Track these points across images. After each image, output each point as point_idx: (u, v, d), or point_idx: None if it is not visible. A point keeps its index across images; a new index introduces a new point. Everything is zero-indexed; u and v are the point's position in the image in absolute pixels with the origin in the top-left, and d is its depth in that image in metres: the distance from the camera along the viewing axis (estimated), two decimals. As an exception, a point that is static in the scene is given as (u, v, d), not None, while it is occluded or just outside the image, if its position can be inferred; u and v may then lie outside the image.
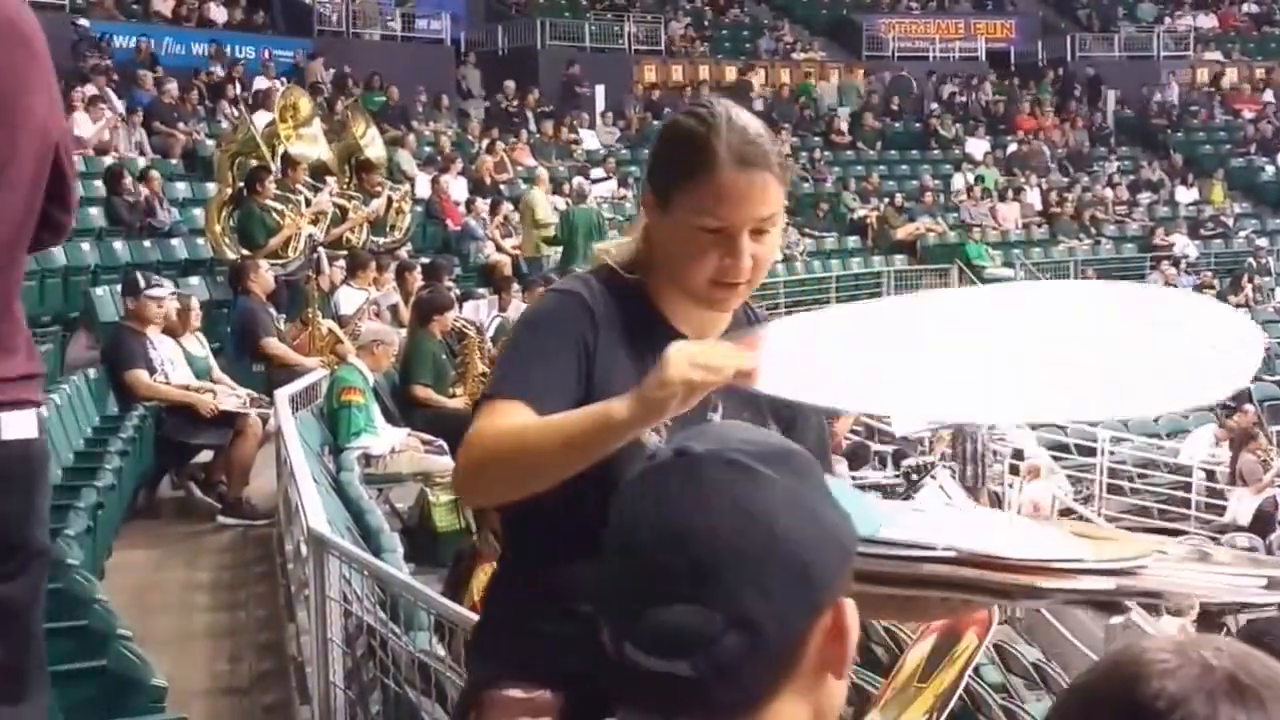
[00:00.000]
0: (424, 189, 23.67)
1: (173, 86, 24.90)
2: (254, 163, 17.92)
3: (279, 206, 17.14)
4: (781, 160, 3.07)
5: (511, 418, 2.87)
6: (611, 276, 3.17)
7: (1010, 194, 33.87)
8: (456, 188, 24.88)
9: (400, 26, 33.68)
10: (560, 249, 22.28)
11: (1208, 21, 43.48)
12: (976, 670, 12.58)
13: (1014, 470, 19.25)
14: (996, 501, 18.36)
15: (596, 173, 28.35)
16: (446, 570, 10.71)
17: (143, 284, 12.67)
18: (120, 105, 23.15)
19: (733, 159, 2.97)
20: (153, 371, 11.95)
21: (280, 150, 17.96)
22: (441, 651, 6.09)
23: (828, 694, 1.80)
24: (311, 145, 18.31)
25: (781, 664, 1.75)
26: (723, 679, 1.72)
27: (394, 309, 16.05)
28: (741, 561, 1.71)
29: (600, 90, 33.84)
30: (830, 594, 1.77)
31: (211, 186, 19.92)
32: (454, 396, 13.67)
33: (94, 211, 19.06)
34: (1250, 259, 32.79)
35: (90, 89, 22.87)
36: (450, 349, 14.51)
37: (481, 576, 5.97)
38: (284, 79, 27.59)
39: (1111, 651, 1.63)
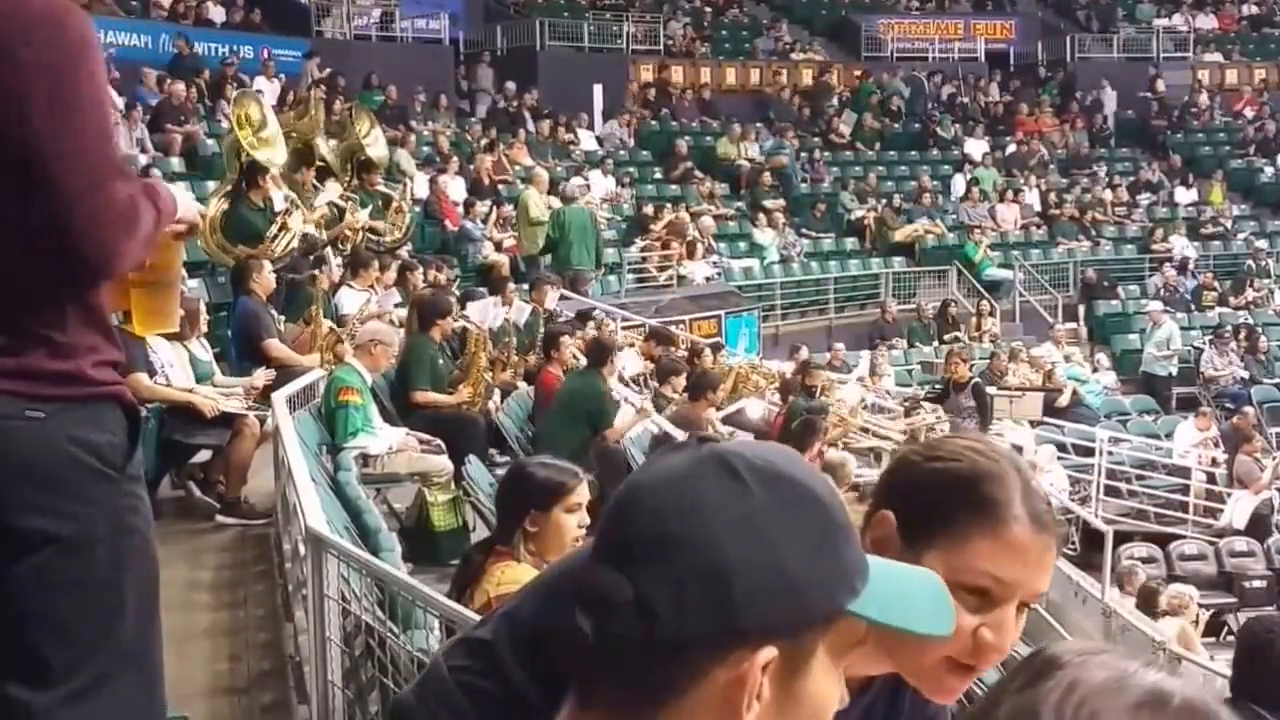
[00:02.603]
0: (422, 189, 23.65)
1: (179, 87, 24.89)
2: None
3: (276, 205, 16.99)
4: (1062, 531, 2.68)
5: None
6: None
7: (1009, 195, 33.83)
8: (455, 188, 24.86)
9: (398, 26, 33.62)
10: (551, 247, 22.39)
11: (1207, 22, 43.45)
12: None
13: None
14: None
15: (590, 177, 28.35)
16: (443, 568, 10.76)
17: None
18: (120, 103, 23.11)
19: (1030, 518, 2.47)
20: (153, 374, 11.94)
21: (246, 160, 17.51)
22: None
23: None
24: (272, 149, 17.94)
25: (665, 671, 1.67)
26: (608, 654, 1.67)
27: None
28: (670, 550, 1.66)
29: (598, 90, 33.78)
30: (756, 633, 1.66)
31: (211, 185, 19.80)
32: (452, 393, 13.66)
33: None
34: (1250, 261, 32.77)
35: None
36: (452, 350, 14.51)
37: (497, 574, 5.93)
38: (282, 76, 27.60)
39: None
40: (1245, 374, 28.01)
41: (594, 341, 15.19)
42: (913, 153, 36.32)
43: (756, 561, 1.66)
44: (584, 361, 14.65)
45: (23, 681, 3.43)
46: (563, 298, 19.70)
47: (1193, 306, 31.12)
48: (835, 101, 37.03)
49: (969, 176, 34.08)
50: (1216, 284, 31.78)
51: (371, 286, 16.04)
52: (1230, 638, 17.11)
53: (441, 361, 13.81)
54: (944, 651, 2.45)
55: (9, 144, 3.31)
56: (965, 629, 2.42)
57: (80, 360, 3.48)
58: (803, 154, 33.98)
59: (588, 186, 26.75)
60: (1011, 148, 36.44)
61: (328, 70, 29.06)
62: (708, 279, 26.94)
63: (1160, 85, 39.83)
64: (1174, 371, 28.06)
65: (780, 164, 32.43)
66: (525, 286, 19.13)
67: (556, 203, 23.50)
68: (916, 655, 2.47)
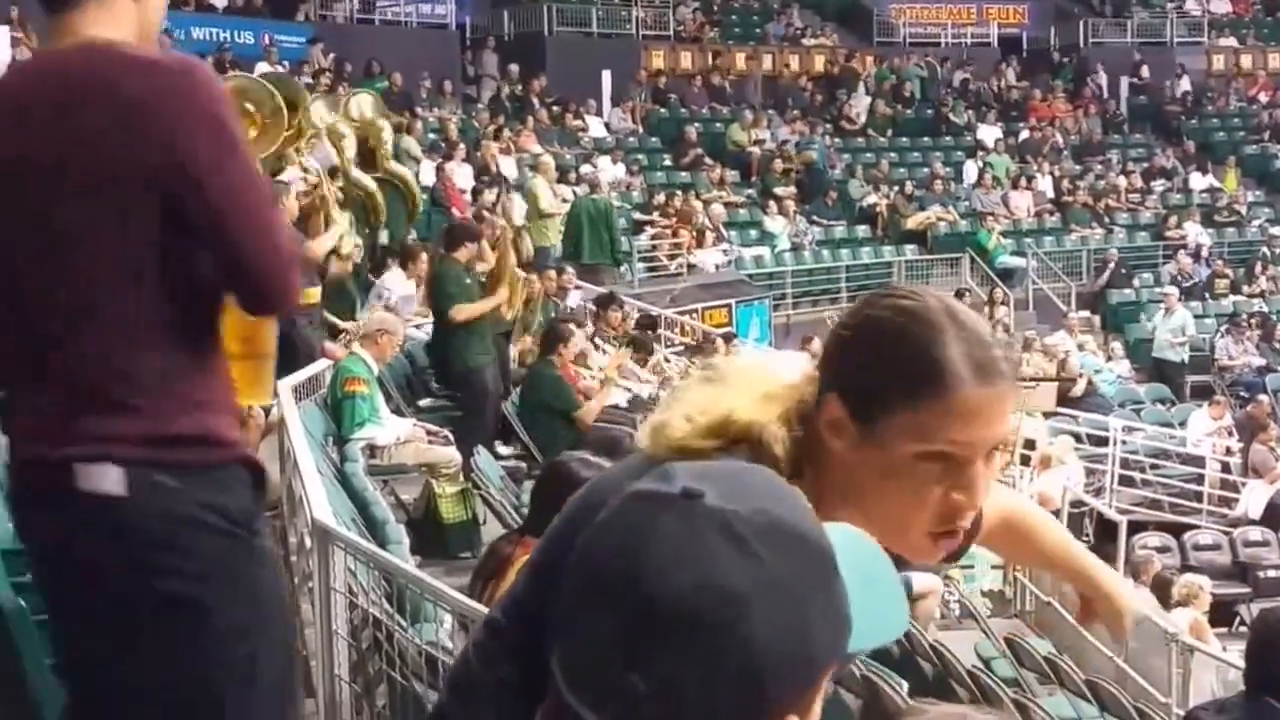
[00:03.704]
0: (428, 176, 23.53)
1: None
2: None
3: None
4: (1014, 364, 2.53)
5: None
6: None
7: (1022, 182, 33.71)
8: (461, 175, 24.74)
9: (402, 11, 33.50)
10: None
11: (1221, 7, 43.26)
12: (988, 664, 12.52)
13: (1025, 461, 19.15)
14: (1009, 493, 18.25)
15: (599, 164, 28.24)
16: (452, 560, 10.69)
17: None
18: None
19: (976, 372, 2.37)
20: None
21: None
22: (450, 644, 6.04)
23: None
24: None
25: None
26: None
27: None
28: (699, 640, 1.56)
29: (607, 76, 33.63)
30: (780, 706, 1.61)
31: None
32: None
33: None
34: (1264, 248, 32.65)
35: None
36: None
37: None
38: (285, 63, 27.46)
39: None
40: (1260, 362, 27.90)
41: (546, 326, 15.02)
42: (925, 139, 36.14)
43: (784, 643, 1.58)
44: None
45: None
46: (577, 287, 19.58)
47: (1206, 295, 30.99)
48: (861, 89, 36.83)
49: (981, 163, 33.90)
50: (1229, 271, 31.65)
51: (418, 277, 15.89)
52: (1243, 628, 17.03)
53: (469, 282, 13.68)
54: (923, 527, 2.44)
55: (176, 197, 3.48)
56: (935, 500, 2.41)
57: (212, 420, 3.60)
58: (804, 133, 33.78)
59: (597, 174, 26.59)
60: (1025, 134, 36.28)
61: (331, 56, 28.96)
62: (718, 267, 26.85)
63: (1174, 70, 39.70)
64: (1186, 359, 27.94)
65: (810, 159, 32.25)
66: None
67: (565, 192, 23.40)
68: (898, 536, 2.43)
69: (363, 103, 18.07)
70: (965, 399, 2.36)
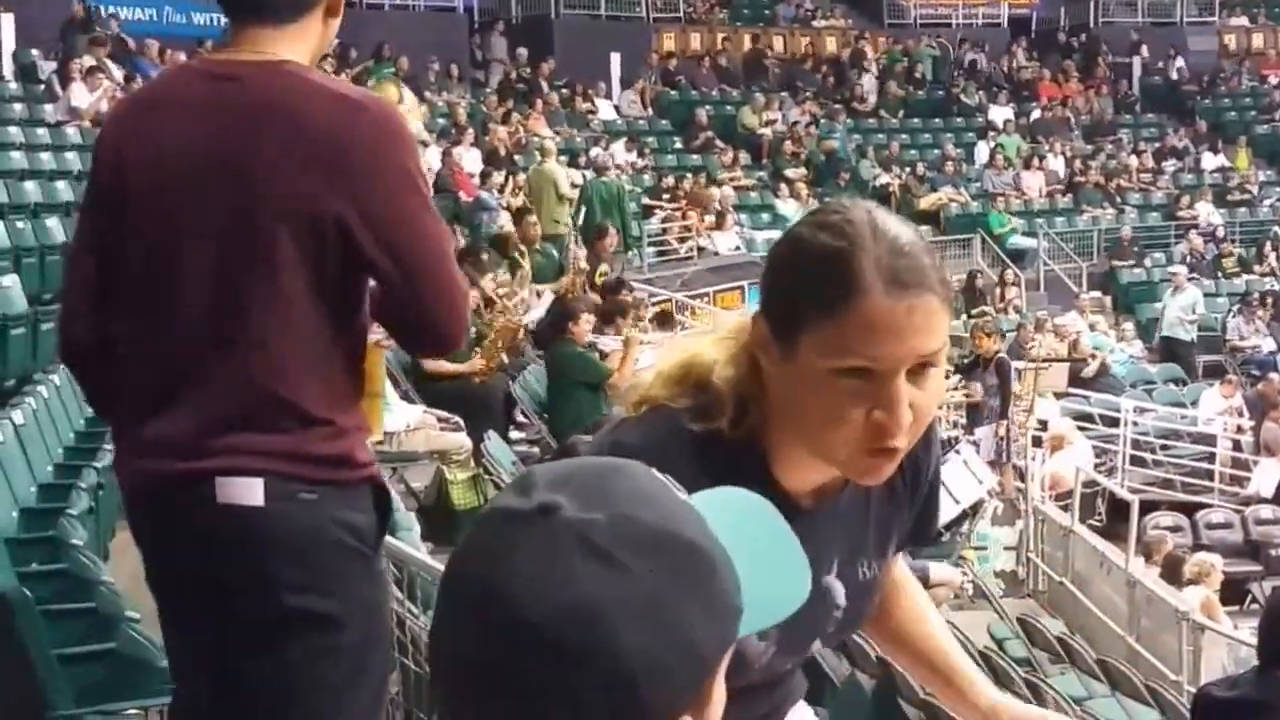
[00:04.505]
0: (435, 161, 23.48)
1: (180, 56, 24.72)
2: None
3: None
4: (943, 277, 2.38)
5: None
6: (708, 436, 2.46)
7: (1034, 162, 33.64)
8: (469, 159, 24.68)
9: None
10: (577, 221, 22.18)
11: (1233, -15, 43.13)
12: (1001, 644, 12.54)
13: (1037, 442, 19.14)
14: (1020, 475, 18.27)
15: (611, 148, 28.15)
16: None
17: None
18: (119, 74, 23.00)
19: (885, 283, 2.29)
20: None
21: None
22: None
23: None
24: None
25: None
26: None
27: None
28: (568, 664, 1.50)
29: (616, 59, 33.53)
30: (667, 711, 1.55)
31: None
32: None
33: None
34: (1275, 227, 32.56)
35: (89, 59, 22.73)
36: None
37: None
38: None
39: None
40: (1273, 341, 27.85)
41: (552, 307, 14.96)
42: (936, 120, 36.03)
43: (660, 651, 1.52)
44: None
45: None
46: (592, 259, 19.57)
47: (1219, 274, 30.93)
48: (875, 70, 36.70)
49: (993, 144, 33.82)
50: (1234, 250, 31.57)
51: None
52: (1254, 606, 17.04)
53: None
54: (852, 446, 2.36)
55: (353, 233, 3.57)
56: (857, 420, 2.33)
57: (350, 442, 3.71)
58: (824, 121, 33.69)
59: (607, 158, 26.52)
60: (1036, 114, 36.18)
61: (338, 40, 28.81)
62: (735, 249, 26.81)
63: (1185, 49, 39.58)
64: (1195, 338, 27.88)
65: (831, 148, 32.17)
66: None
67: (578, 176, 23.35)
68: (830, 454, 2.42)
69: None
70: (875, 309, 2.28)
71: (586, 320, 13.80)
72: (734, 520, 1.71)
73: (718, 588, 1.59)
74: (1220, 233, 31.95)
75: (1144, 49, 39.55)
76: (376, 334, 3.98)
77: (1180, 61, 39.44)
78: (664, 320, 14.23)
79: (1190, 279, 28.95)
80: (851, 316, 2.28)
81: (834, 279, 2.30)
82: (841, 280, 2.29)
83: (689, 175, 28.93)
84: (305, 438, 3.62)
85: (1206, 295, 29.25)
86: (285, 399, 3.61)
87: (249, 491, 3.57)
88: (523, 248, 17.31)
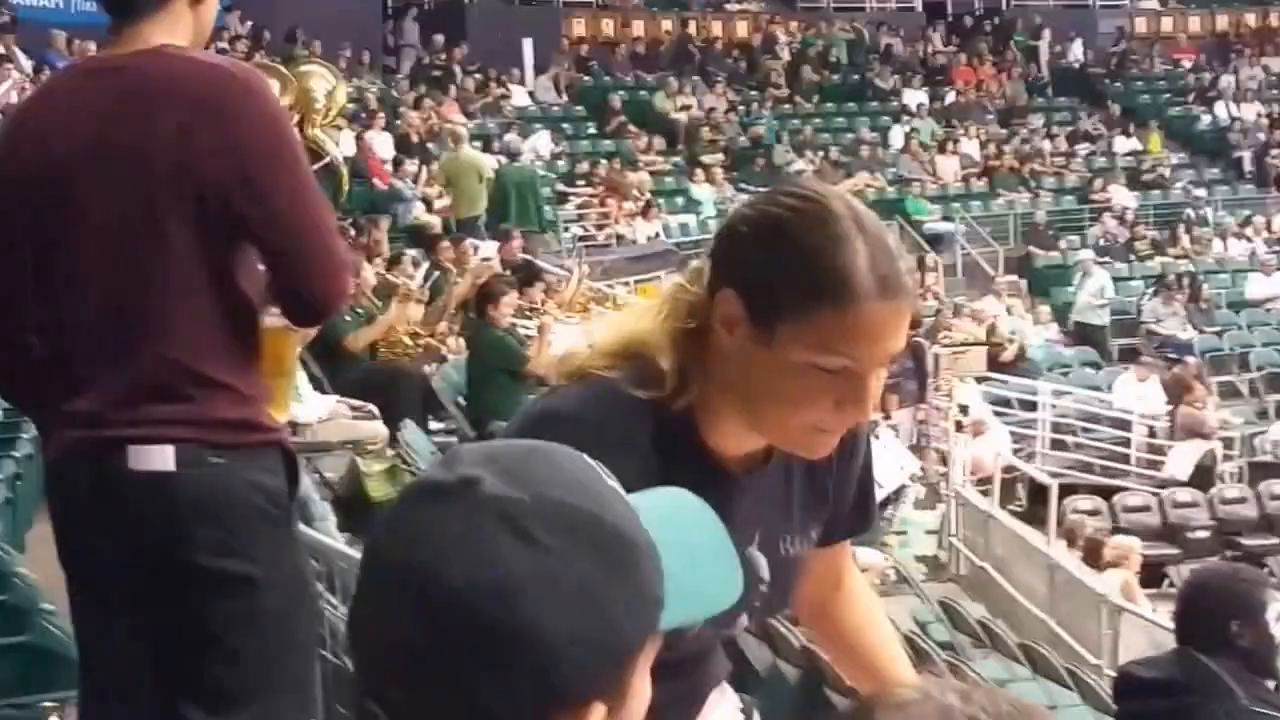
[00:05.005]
0: (349, 147, 23.34)
1: (90, 46, 24.42)
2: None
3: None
4: (911, 272, 2.47)
5: None
6: (645, 403, 2.49)
7: (949, 147, 33.73)
8: (382, 145, 24.55)
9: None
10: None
11: (1143, -31, 43.41)
12: (923, 628, 12.54)
13: (958, 427, 19.20)
14: (940, 459, 18.33)
15: (524, 134, 28.06)
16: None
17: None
18: (28, 65, 22.72)
19: (878, 288, 2.33)
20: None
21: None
22: None
23: None
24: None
25: None
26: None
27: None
28: (481, 637, 1.50)
29: (529, 45, 33.40)
30: (584, 699, 1.55)
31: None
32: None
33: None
34: (1188, 210, 32.77)
35: (-3, 48, 22.47)
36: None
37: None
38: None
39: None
40: (1188, 323, 28.00)
41: (474, 291, 14.82)
42: (851, 105, 36.04)
43: (577, 633, 1.51)
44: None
45: (204, 709, 3.81)
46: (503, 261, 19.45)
47: (1132, 257, 31.10)
48: (786, 54, 36.65)
49: (908, 128, 33.90)
50: (1146, 233, 31.74)
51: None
52: (1172, 589, 17.13)
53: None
54: (803, 427, 2.44)
55: (236, 201, 3.70)
56: (823, 408, 2.41)
57: (254, 408, 3.86)
58: (740, 107, 33.65)
59: (519, 143, 26.44)
60: (950, 98, 36.29)
61: (249, 24, 28.66)
62: (649, 238, 26.77)
63: (1097, 33, 39.79)
64: (1108, 321, 28.01)
65: (758, 135, 32.16)
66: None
67: (493, 162, 23.29)
68: (776, 431, 2.49)
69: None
70: (868, 313, 2.33)
71: (507, 303, 13.67)
72: (669, 514, 1.71)
73: (641, 577, 1.58)
74: (1130, 216, 32.08)
75: (1047, 32, 39.68)
76: (284, 318, 4.07)
77: (1079, 45, 39.61)
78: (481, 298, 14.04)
79: (1101, 262, 29.10)
80: (841, 318, 2.33)
81: (825, 278, 2.33)
82: (834, 281, 2.33)
83: (604, 161, 28.86)
84: (210, 404, 3.75)
85: (1120, 279, 29.42)
86: (188, 368, 3.74)
87: (160, 458, 3.71)
88: (451, 267, 17.05)
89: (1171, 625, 5.45)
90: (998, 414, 21.31)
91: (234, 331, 3.82)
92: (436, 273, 16.49)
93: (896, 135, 33.89)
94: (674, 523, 1.69)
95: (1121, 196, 32.76)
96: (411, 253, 16.84)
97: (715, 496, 2.49)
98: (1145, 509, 19.92)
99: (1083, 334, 27.83)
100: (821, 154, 32.26)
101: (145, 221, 3.71)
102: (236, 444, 3.78)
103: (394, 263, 16.14)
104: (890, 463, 16.48)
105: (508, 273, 16.80)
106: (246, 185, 3.70)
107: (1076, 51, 39.68)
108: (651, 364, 2.49)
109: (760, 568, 2.68)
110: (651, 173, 29.52)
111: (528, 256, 19.54)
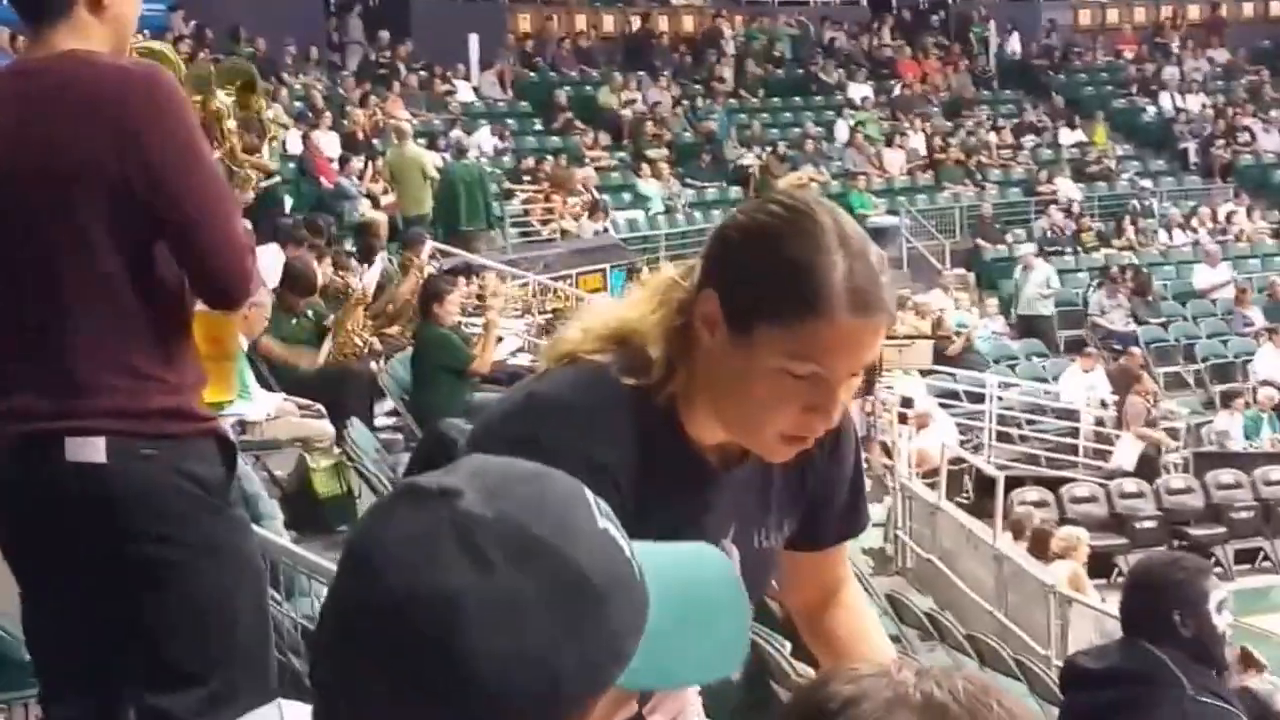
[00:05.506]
0: (295, 145, 23.26)
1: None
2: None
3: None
4: (893, 291, 2.51)
5: None
6: (632, 390, 2.53)
7: (895, 140, 33.77)
8: (328, 143, 24.46)
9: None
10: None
11: (1088, -38, 43.50)
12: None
13: (903, 420, 19.23)
14: (886, 451, 18.35)
15: (469, 130, 28.01)
16: (330, 535, 10.56)
17: None
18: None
19: (852, 303, 2.38)
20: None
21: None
22: None
23: None
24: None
25: None
26: None
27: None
28: (405, 644, 1.48)
29: (474, 40, 33.30)
30: None
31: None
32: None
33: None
34: (1134, 201, 32.90)
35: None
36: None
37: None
38: (146, 32, 26.98)
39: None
40: (1132, 315, 28.11)
41: (420, 287, 14.74)
42: (796, 99, 36.05)
43: (510, 663, 1.48)
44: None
45: (163, 692, 3.94)
46: (444, 254, 19.41)
47: (1078, 249, 31.21)
48: (731, 49, 36.62)
49: (853, 121, 33.93)
50: (1093, 225, 31.86)
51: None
52: (1120, 579, 17.20)
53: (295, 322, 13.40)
54: (774, 432, 2.48)
55: (141, 195, 3.80)
56: (791, 412, 2.45)
57: (186, 397, 3.96)
58: (685, 102, 33.64)
59: (465, 140, 26.39)
60: (896, 91, 36.32)
61: (193, 23, 28.52)
62: (596, 233, 26.73)
63: (1041, 25, 39.90)
64: (1054, 313, 28.11)
65: (710, 130, 32.15)
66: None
67: (438, 159, 23.21)
68: (748, 434, 2.54)
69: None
70: (838, 329, 2.38)
71: (451, 301, 13.62)
72: (682, 573, 1.69)
73: (599, 623, 1.53)
74: (1076, 208, 32.19)
75: (993, 24, 39.78)
76: None
77: (1016, 37, 39.74)
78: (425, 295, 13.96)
79: (1051, 253, 29.24)
80: (814, 328, 2.38)
81: (801, 290, 2.38)
82: (809, 294, 2.38)
83: (549, 157, 28.82)
84: (139, 395, 3.86)
85: (1066, 271, 29.53)
86: (115, 359, 3.86)
87: (92, 449, 3.82)
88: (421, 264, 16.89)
89: (1118, 615, 5.48)
90: (944, 406, 21.38)
91: (158, 321, 3.92)
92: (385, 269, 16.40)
93: (841, 129, 33.93)
94: (683, 581, 1.66)
95: (1067, 189, 32.89)
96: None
97: (695, 487, 2.60)
98: (1092, 500, 20.04)
99: (1029, 326, 27.93)
100: (769, 149, 32.26)
101: (57, 221, 3.82)
102: (168, 434, 3.88)
103: (338, 265, 16.09)
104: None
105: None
106: (146, 174, 3.79)
107: (1014, 44, 39.77)
108: (640, 352, 2.54)
109: (733, 560, 2.69)
110: (598, 169, 29.49)
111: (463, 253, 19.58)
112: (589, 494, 1.61)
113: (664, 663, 1.60)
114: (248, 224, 4.55)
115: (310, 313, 13.55)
